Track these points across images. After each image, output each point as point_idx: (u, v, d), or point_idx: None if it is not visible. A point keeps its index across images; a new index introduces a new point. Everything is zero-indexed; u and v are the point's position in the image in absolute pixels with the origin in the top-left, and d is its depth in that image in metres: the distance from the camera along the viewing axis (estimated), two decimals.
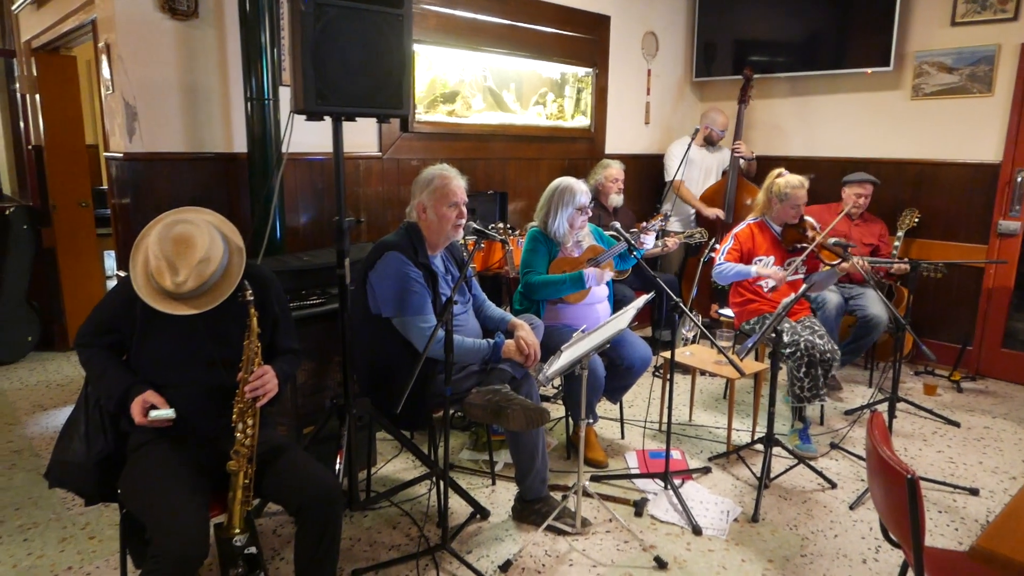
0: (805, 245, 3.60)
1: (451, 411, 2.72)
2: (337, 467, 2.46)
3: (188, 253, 1.87)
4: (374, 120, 2.60)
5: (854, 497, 3.00)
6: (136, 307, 1.97)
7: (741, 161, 4.94)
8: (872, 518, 2.84)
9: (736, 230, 3.71)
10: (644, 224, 3.34)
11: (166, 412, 1.91)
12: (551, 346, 2.75)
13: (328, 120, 2.38)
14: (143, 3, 3.07)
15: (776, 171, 3.69)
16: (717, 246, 4.33)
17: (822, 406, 3.86)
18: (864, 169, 4.83)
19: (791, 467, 3.22)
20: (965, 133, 4.51)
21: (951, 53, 4.48)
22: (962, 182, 4.57)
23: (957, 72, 4.48)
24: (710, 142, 5.04)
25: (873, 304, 4.08)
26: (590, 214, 3.30)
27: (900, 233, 4.59)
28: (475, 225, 2.55)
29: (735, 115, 5.03)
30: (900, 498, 1.54)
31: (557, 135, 4.89)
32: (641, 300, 2.67)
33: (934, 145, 4.65)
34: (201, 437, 2.03)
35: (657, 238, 3.80)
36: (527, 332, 2.68)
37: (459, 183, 2.65)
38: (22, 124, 4.95)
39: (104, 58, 3.23)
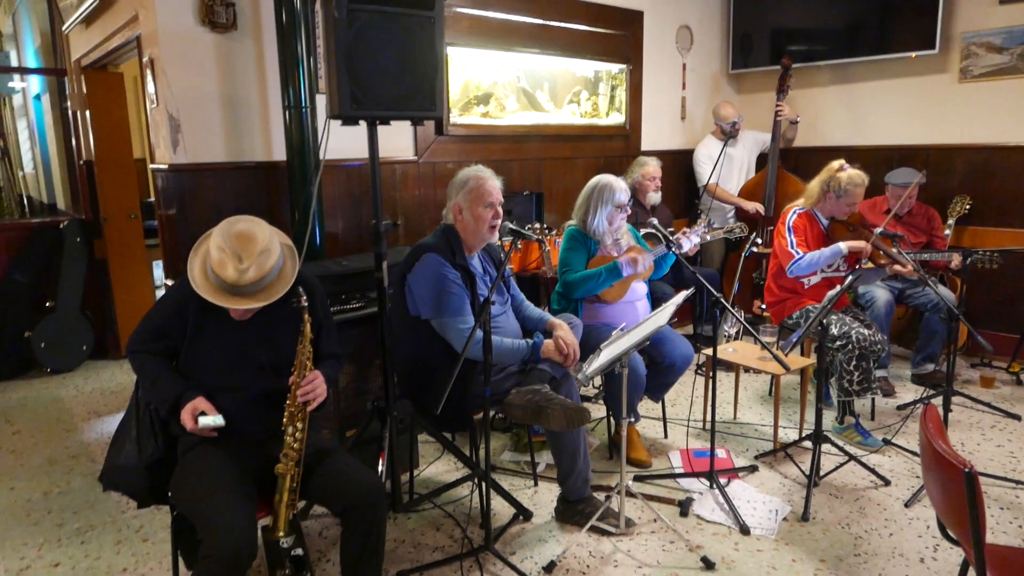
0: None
1: (491, 412, 2.72)
2: (379, 469, 2.48)
3: (250, 246, 1.93)
4: (409, 124, 2.63)
5: (909, 494, 2.90)
6: (188, 312, 2.02)
7: (784, 123, 4.83)
8: (929, 516, 2.75)
9: (790, 222, 3.53)
10: (687, 229, 3.29)
11: (215, 420, 1.95)
12: (590, 345, 2.73)
13: (363, 125, 2.41)
14: (184, 17, 3.16)
15: (838, 162, 3.49)
16: (759, 240, 4.25)
17: (873, 400, 3.75)
18: (911, 157, 4.69)
19: (841, 464, 3.13)
20: (1018, 115, 4.33)
21: (1000, 32, 4.31)
22: (1016, 166, 4.39)
23: (1008, 52, 4.31)
24: (728, 135, 4.94)
25: (931, 292, 3.88)
26: (629, 212, 3.27)
27: (951, 221, 4.44)
28: (511, 225, 2.54)
29: (772, 105, 4.93)
30: (957, 493, 1.48)
31: (592, 133, 4.86)
32: (680, 296, 2.63)
33: (984, 129, 4.48)
34: (249, 440, 2.07)
35: (698, 254, 3.73)
36: (566, 331, 2.66)
37: (494, 184, 2.65)
38: (74, 140, 5.13)
39: (148, 72, 3.33)
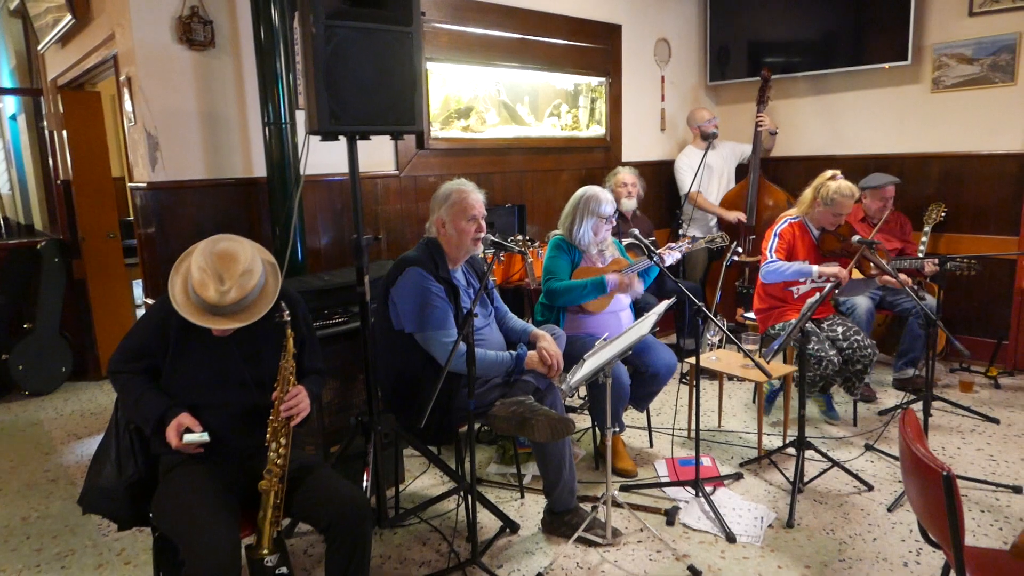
0: (841, 250, 3.52)
1: (476, 425, 2.72)
2: (364, 484, 2.46)
3: (232, 266, 1.91)
4: (390, 139, 2.63)
5: (892, 499, 2.93)
6: (169, 330, 2.00)
7: (764, 134, 4.92)
8: (911, 520, 2.77)
9: (779, 227, 3.58)
10: (671, 245, 3.32)
11: (200, 436, 1.93)
12: (574, 356, 2.74)
13: (343, 140, 2.41)
14: (162, 35, 3.15)
15: (831, 172, 3.53)
16: (740, 249, 4.29)
17: (855, 405, 3.79)
18: (887, 165, 4.77)
19: (825, 470, 3.15)
20: (989, 124, 4.43)
21: (970, 44, 4.41)
22: (989, 173, 4.48)
23: (978, 63, 4.41)
24: (707, 138, 4.98)
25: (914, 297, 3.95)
26: (614, 224, 3.29)
27: (927, 228, 4.50)
28: (493, 238, 2.56)
29: (753, 116, 5.00)
30: (937, 497, 1.50)
31: (573, 146, 4.90)
32: (663, 305, 2.65)
33: (958, 137, 4.57)
34: (232, 457, 2.04)
35: (679, 263, 3.76)
36: (549, 343, 2.67)
37: (477, 197, 2.66)
38: (51, 160, 5.09)
39: (126, 91, 3.32)
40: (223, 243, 1.96)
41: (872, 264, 3.50)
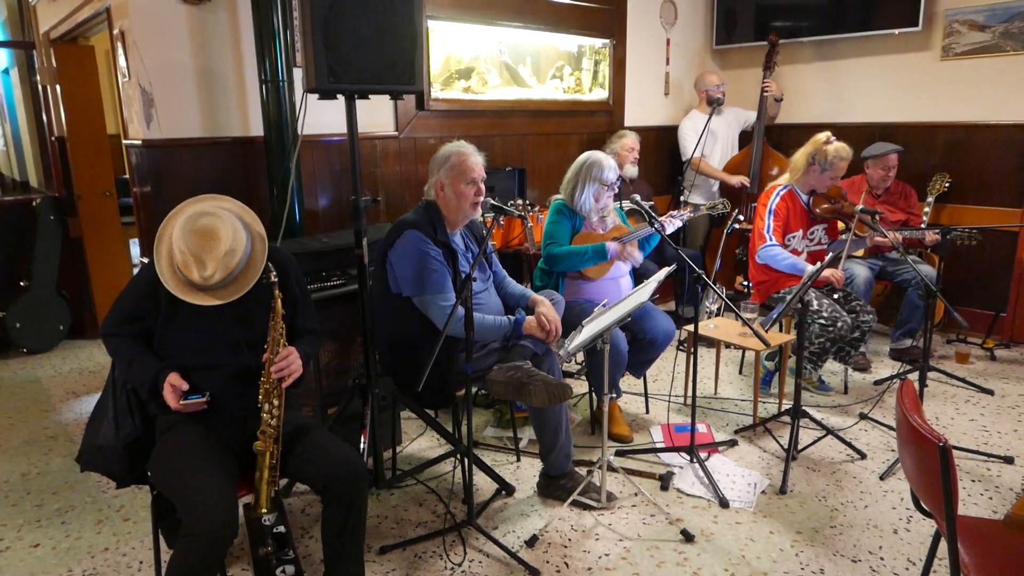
0: (831, 215, 3.51)
1: (474, 389, 2.73)
2: (361, 446, 2.48)
3: (213, 246, 1.88)
4: (389, 99, 2.58)
5: (884, 467, 2.96)
6: (160, 293, 1.98)
7: (769, 100, 4.86)
8: (903, 488, 2.80)
9: (772, 205, 3.54)
10: (673, 212, 3.29)
11: (197, 397, 1.94)
12: (572, 322, 2.73)
13: (342, 99, 2.36)
14: None
15: (824, 135, 3.50)
16: (741, 217, 4.26)
17: (846, 372, 3.81)
18: (892, 134, 4.71)
19: (819, 439, 3.18)
20: (999, 93, 4.36)
21: (983, 10, 4.32)
22: (995, 144, 4.43)
23: (990, 30, 4.32)
24: (712, 103, 4.91)
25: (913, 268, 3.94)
26: (617, 190, 3.25)
27: (930, 199, 4.47)
28: (493, 202, 2.53)
29: (759, 81, 4.92)
30: (932, 467, 1.50)
31: (575, 109, 4.83)
32: (662, 272, 2.63)
33: (966, 107, 4.50)
34: (228, 418, 2.05)
35: (680, 230, 3.73)
36: (548, 308, 2.66)
37: (476, 160, 2.62)
38: (44, 116, 5.01)
39: (119, 45, 3.25)
40: (203, 219, 1.90)
41: (865, 227, 3.50)
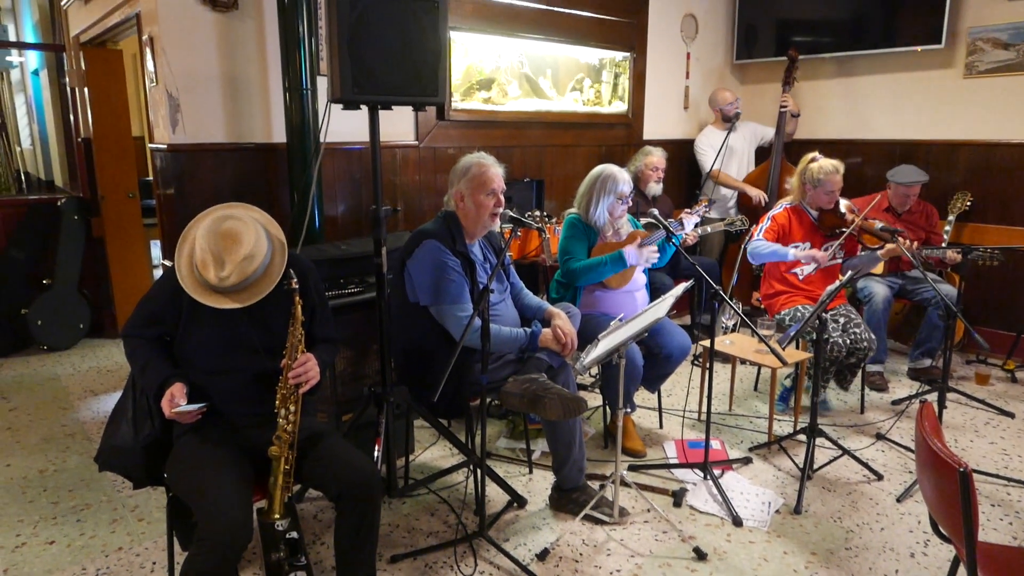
0: (844, 229, 3.49)
1: (488, 399, 2.73)
2: (375, 454, 2.48)
3: (234, 249, 1.91)
4: (410, 109, 2.60)
5: (901, 489, 2.92)
6: (182, 297, 2.01)
7: (787, 116, 4.86)
8: (920, 511, 2.77)
9: (773, 212, 3.62)
10: (688, 209, 3.27)
11: (188, 407, 1.91)
12: (588, 335, 2.73)
13: (365, 109, 2.39)
14: None
15: (810, 155, 3.57)
16: None
17: (862, 394, 3.77)
18: (913, 152, 4.68)
19: (835, 458, 3.14)
20: (1022, 112, 4.31)
21: (1007, 28, 4.29)
22: (1018, 163, 4.38)
23: (1014, 48, 4.28)
24: (728, 120, 4.91)
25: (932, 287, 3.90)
26: (630, 204, 3.25)
27: (951, 217, 4.43)
28: (511, 213, 2.53)
29: (778, 96, 4.91)
30: (951, 492, 1.49)
31: (594, 121, 4.84)
32: (680, 288, 2.63)
33: (988, 125, 4.46)
34: (245, 422, 2.07)
35: (698, 225, 3.72)
36: (564, 321, 2.66)
37: (497, 171, 2.63)
38: (72, 117, 5.09)
39: (148, 51, 3.30)
40: (229, 222, 1.94)
41: (876, 238, 3.50)
